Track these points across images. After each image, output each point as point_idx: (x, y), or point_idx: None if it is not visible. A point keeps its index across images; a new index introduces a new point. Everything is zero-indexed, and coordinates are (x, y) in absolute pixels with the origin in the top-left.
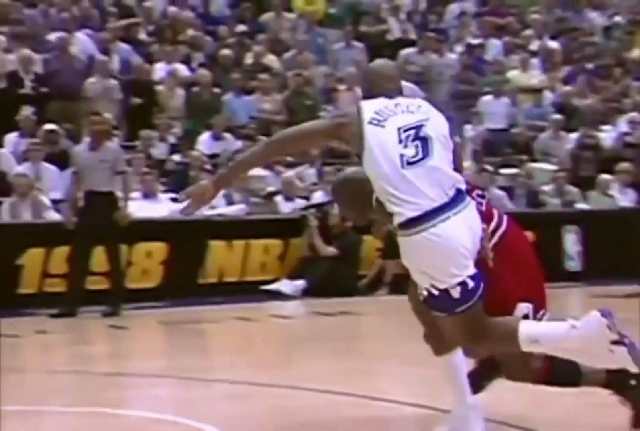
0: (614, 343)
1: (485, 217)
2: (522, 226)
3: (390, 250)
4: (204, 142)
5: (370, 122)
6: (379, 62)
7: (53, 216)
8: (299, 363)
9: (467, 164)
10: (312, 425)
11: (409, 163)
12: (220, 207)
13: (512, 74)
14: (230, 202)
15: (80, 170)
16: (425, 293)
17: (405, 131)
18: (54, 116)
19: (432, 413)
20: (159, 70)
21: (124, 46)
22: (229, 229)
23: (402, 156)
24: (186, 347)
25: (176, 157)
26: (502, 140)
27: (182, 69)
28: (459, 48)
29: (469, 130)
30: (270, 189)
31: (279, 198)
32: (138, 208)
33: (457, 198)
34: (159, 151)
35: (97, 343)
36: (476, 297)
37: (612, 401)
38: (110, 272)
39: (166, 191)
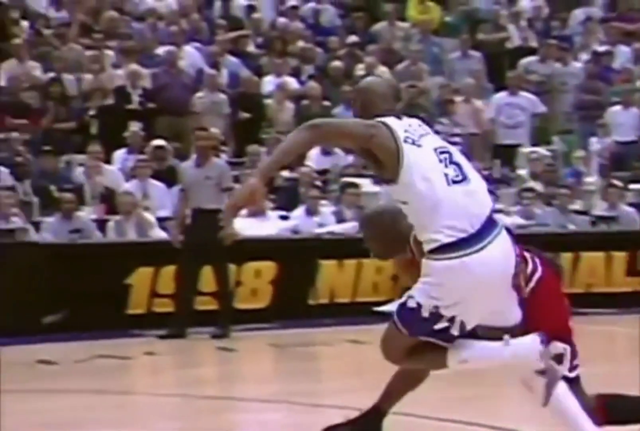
0: (539, 372)
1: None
2: None
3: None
4: (314, 157)
5: (405, 141)
6: (373, 79)
7: (159, 234)
8: None
9: (593, 179)
10: None
11: (454, 182)
12: (330, 225)
13: None
14: (341, 220)
15: (186, 187)
16: (412, 304)
17: (441, 153)
18: (162, 131)
19: None
20: (268, 83)
21: (232, 59)
22: (340, 247)
23: (446, 175)
24: (296, 371)
25: (285, 174)
26: (631, 153)
27: (292, 82)
28: (584, 56)
29: (595, 143)
30: None
31: None
32: (246, 226)
33: (491, 225)
34: None
35: (206, 365)
36: None
37: None
38: (218, 292)
39: (275, 209)
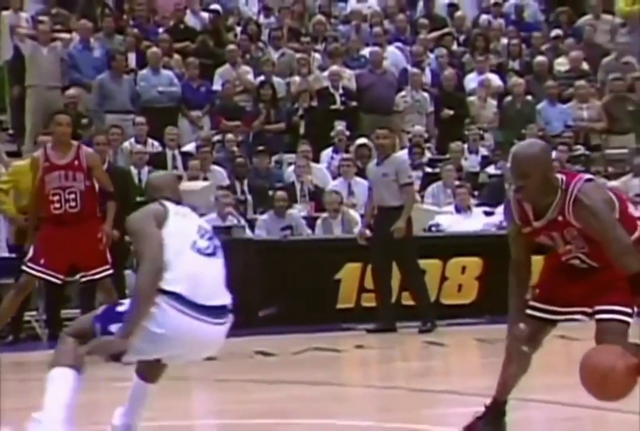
0: None
1: None
2: None
3: None
4: None
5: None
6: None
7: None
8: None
9: None
10: None
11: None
12: None
13: None
14: None
15: (371, 185)
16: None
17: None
18: (366, 130)
19: None
20: (471, 80)
21: (435, 58)
22: None
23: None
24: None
25: (489, 170)
26: None
27: (494, 79)
28: None
29: None
30: None
31: None
32: (451, 223)
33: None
34: (470, 163)
35: (414, 359)
36: None
37: None
38: (410, 288)
39: (479, 205)
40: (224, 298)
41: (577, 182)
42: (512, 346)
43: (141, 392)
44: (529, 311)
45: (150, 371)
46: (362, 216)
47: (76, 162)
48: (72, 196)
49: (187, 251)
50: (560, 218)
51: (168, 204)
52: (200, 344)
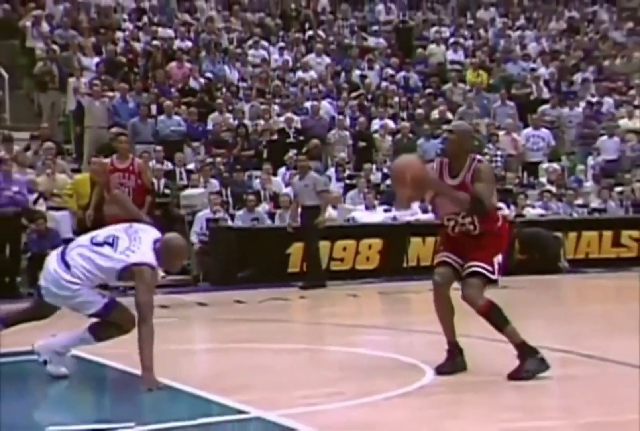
0: None
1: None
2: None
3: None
4: None
5: None
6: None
7: None
8: None
9: (589, 184)
10: None
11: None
12: None
13: (622, 121)
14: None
15: (295, 193)
16: None
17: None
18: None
19: None
20: (375, 124)
21: (352, 109)
22: None
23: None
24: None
25: (388, 182)
26: (615, 168)
27: (390, 123)
28: (582, 104)
29: (590, 160)
30: None
31: None
32: (362, 216)
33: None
34: (375, 177)
35: (338, 305)
36: None
37: None
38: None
39: (381, 204)
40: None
41: (481, 159)
42: (437, 293)
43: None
44: (443, 258)
45: None
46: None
47: (131, 167)
48: (127, 190)
49: None
50: (467, 180)
51: None
52: None
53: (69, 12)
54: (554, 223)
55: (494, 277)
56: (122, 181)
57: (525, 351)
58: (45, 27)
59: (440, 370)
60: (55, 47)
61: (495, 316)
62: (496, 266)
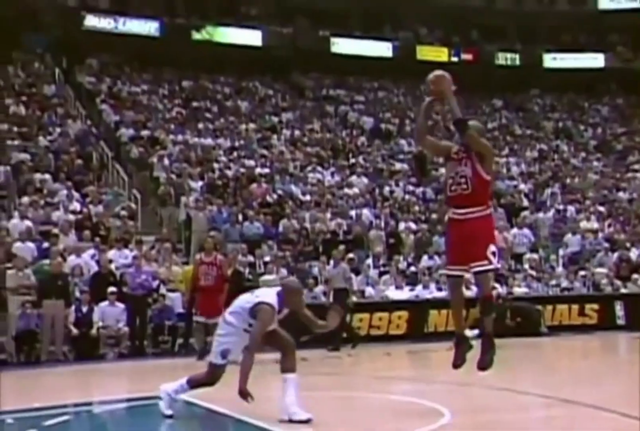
0: None
1: None
2: None
3: None
4: None
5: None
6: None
7: None
8: None
9: (560, 269)
10: None
11: None
12: None
13: (582, 223)
14: None
15: None
16: None
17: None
18: None
19: None
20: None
21: None
22: None
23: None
24: None
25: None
26: (579, 258)
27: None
28: (552, 211)
29: (561, 251)
30: None
31: None
32: None
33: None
34: None
35: None
36: None
37: None
38: None
39: None
40: None
41: None
42: (453, 288)
43: None
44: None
45: None
46: None
47: (215, 261)
48: (209, 278)
49: None
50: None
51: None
52: None
53: (182, 151)
54: (535, 299)
55: (493, 267)
56: (207, 271)
57: (490, 342)
58: (166, 161)
59: (455, 365)
60: (172, 175)
61: (490, 304)
62: (492, 257)
